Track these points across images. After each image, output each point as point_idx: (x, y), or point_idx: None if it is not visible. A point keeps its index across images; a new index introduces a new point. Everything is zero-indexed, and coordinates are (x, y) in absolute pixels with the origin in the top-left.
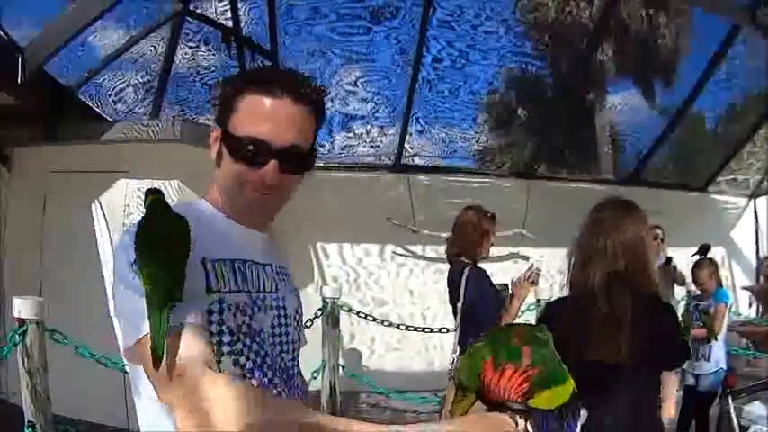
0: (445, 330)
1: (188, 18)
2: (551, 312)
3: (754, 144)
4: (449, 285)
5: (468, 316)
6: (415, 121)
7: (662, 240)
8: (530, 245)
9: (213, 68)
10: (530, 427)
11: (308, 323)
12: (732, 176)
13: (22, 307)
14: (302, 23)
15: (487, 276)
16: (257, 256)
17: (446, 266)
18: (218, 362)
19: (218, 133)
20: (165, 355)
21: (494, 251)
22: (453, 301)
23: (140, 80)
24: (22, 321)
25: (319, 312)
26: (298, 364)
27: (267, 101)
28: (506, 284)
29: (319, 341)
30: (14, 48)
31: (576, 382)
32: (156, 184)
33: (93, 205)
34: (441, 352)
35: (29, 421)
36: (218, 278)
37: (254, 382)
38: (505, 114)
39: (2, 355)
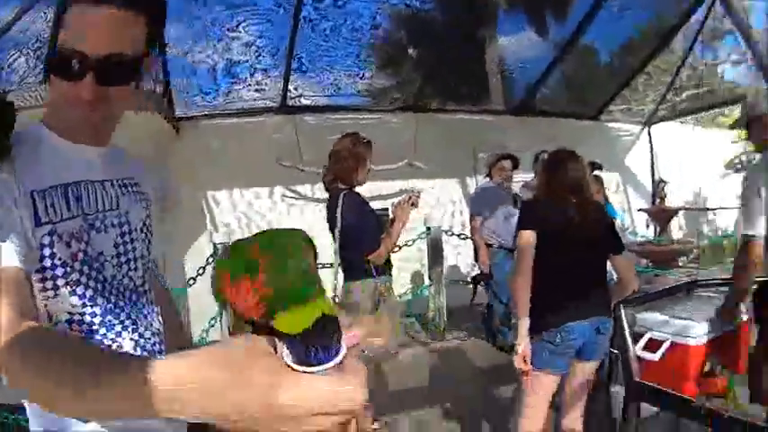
0: (329, 265)
1: None
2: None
3: (650, 76)
4: (327, 213)
5: (346, 241)
6: (298, 61)
7: None
8: (421, 177)
9: None
10: (288, 356)
11: (201, 271)
12: (627, 106)
13: None
14: None
15: (365, 201)
16: (94, 174)
17: None
18: (55, 296)
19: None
20: None
21: (384, 186)
22: (331, 227)
23: (32, 48)
24: None
25: (210, 260)
26: (148, 280)
27: (87, 10)
28: (387, 209)
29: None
30: None
31: None
32: None
33: None
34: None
35: None
36: (48, 208)
37: (97, 310)
38: (391, 48)
39: None
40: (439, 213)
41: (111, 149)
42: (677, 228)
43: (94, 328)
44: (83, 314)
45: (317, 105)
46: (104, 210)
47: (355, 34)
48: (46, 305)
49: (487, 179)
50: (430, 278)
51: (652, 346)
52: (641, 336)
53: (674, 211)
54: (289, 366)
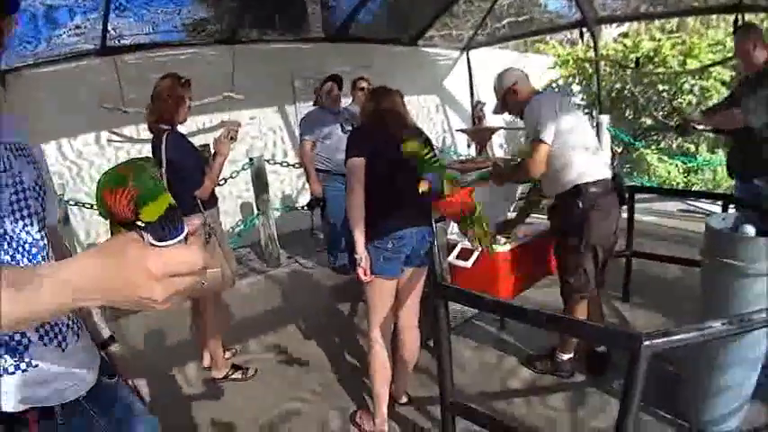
0: None
1: None
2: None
3: (471, 3)
4: (152, 152)
5: (173, 179)
6: (116, 2)
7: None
8: (240, 108)
9: None
10: (150, 239)
11: None
12: (447, 32)
13: None
14: None
15: (186, 139)
16: None
17: None
18: None
19: None
20: None
21: (204, 121)
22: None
23: None
24: None
25: None
26: (46, 236)
27: None
28: (208, 145)
29: None
30: None
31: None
32: None
33: None
34: None
35: None
36: None
37: None
38: None
39: None
40: (261, 143)
41: (4, 115)
42: (498, 147)
43: None
44: None
45: (135, 44)
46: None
47: None
48: None
49: (315, 105)
50: (258, 208)
51: (464, 254)
52: (455, 246)
53: (492, 130)
54: (151, 244)
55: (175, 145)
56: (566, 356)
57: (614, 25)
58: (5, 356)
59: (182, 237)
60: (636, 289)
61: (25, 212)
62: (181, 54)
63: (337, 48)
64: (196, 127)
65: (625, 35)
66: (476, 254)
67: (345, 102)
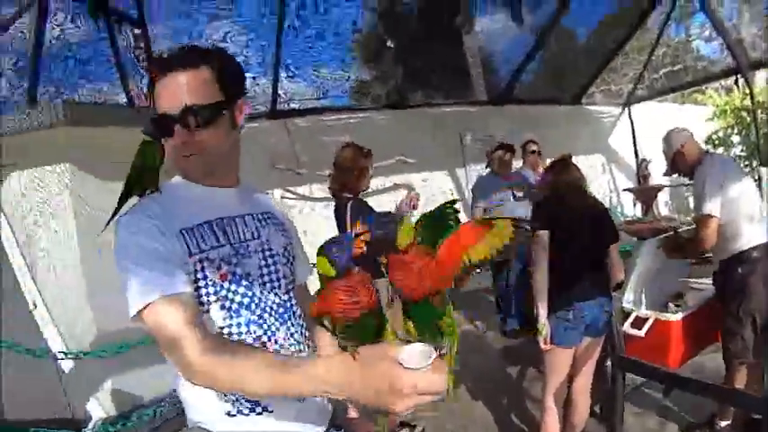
0: None
1: None
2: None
3: (627, 55)
4: (336, 219)
5: None
6: (285, 67)
7: (539, 153)
8: (412, 171)
9: (84, 44)
10: (402, 359)
11: None
12: (606, 87)
13: None
14: None
15: (369, 206)
16: (233, 211)
17: (333, 202)
18: (207, 311)
19: None
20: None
21: (378, 183)
22: (341, 232)
23: (14, 68)
24: None
25: None
26: (293, 297)
27: (161, 81)
28: (390, 212)
29: None
30: None
31: None
32: (47, 170)
33: None
34: None
35: None
36: (197, 241)
37: (242, 320)
38: (373, 48)
39: None
40: (433, 206)
41: (242, 188)
42: (663, 205)
43: (242, 337)
44: (230, 326)
45: (306, 108)
46: (247, 239)
47: (338, 38)
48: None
49: (488, 169)
50: None
51: (638, 323)
52: (629, 314)
53: (658, 189)
54: (401, 364)
55: (359, 213)
56: (724, 423)
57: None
58: (242, 398)
59: (430, 362)
60: None
61: (274, 276)
62: (350, 117)
63: (502, 110)
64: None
65: None
66: (650, 322)
67: (516, 165)
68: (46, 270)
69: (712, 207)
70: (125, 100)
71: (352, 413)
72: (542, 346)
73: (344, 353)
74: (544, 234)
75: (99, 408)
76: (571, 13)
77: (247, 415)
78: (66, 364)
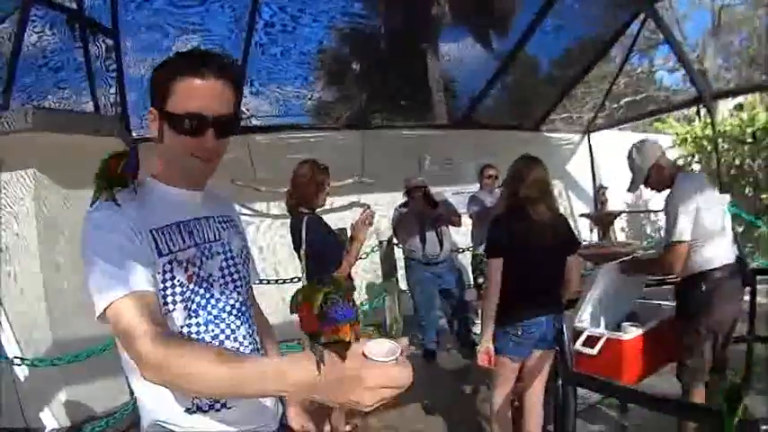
0: (297, 279)
1: (36, 4)
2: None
3: (589, 84)
4: (292, 235)
5: (312, 261)
6: (249, 83)
7: (496, 178)
8: (368, 191)
9: (58, 51)
10: (367, 351)
11: None
12: (568, 114)
13: None
14: None
15: (325, 223)
16: (199, 212)
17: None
18: (173, 310)
19: (156, 113)
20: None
21: (335, 201)
22: (297, 248)
23: None
24: None
25: None
26: (251, 297)
27: (197, 82)
28: (345, 229)
29: None
30: None
31: None
32: (13, 175)
33: None
34: None
35: None
36: (167, 242)
37: (200, 320)
38: (338, 68)
39: None
40: (387, 226)
41: (206, 192)
42: (620, 230)
43: (201, 336)
44: (190, 325)
45: (267, 125)
46: (210, 240)
47: (304, 57)
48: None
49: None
50: (385, 290)
51: (590, 341)
52: (580, 333)
53: (615, 215)
54: (366, 357)
55: (315, 228)
56: None
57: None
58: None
59: (396, 356)
60: (758, 375)
61: (236, 276)
62: (310, 137)
63: (462, 134)
64: (324, 207)
65: (740, 107)
66: (602, 341)
67: (473, 188)
68: (6, 274)
69: (684, 232)
70: (92, 108)
71: (291, 411)
72: (480, 362)
73: (307, 351)
74: (497, 261)
75: (52, 418)
76: (535, 41)
77: (206, 412)
78: (22, 372)
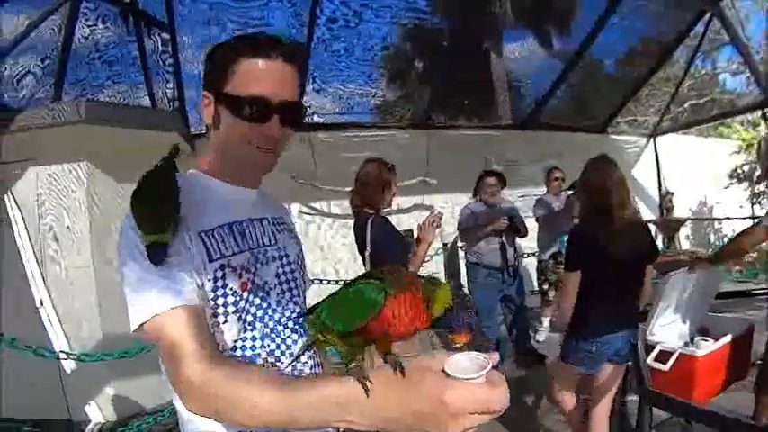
0: None
1: None
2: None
3: (654, 86)
4: (356, 236)
5: (376, 262)
6: (312, 80)
7: (563, 180)
8: (433, 192)
9: (112, 45)
10: (449, 369)
11: None
12: (632, 117)
13: None
14: None
15: (390, 223)
16: (253, 213)
17: (352, 220)
18: (224, 322)
19: (212, 97)
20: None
21: (399, 202)
22: (361, 249)
23: (41, 65)
24: None
25: None
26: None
27: (262, 63)
28: (411, 231)
29: None
30: None
31: None
32: (65, 168)
33: (5, 196)
34: None
35: None
36: (218, 246)
37: (256, 333)
38: (401, 66)
39: None
40: (452, 228)
41: (260, 191)
42: (684, 238)
43: (256, 352)
44: (244, 339)
45: (329, 123)
46: (266, 245)
47: (367, 54)
48: (214, 333)
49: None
50: None
51: (662, 356)
52: (653, 347)
53: (681, 222)
54: (448, 375)
55: (380, 229)
56: None
57: None
58: None
59: (486, 371)
60: None
61: (292, 285)
62: (373, 135)
63: (527, 135)
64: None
65: None
66: (674, 356)
67: (538, 191)
68: (56, 267)
69: None
70: (148, 102)
71: None
72: None
73: (379, 369)
74: (575, 276)
75: (98, 412)
76: (599, 43)
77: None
78: (69, 365)
